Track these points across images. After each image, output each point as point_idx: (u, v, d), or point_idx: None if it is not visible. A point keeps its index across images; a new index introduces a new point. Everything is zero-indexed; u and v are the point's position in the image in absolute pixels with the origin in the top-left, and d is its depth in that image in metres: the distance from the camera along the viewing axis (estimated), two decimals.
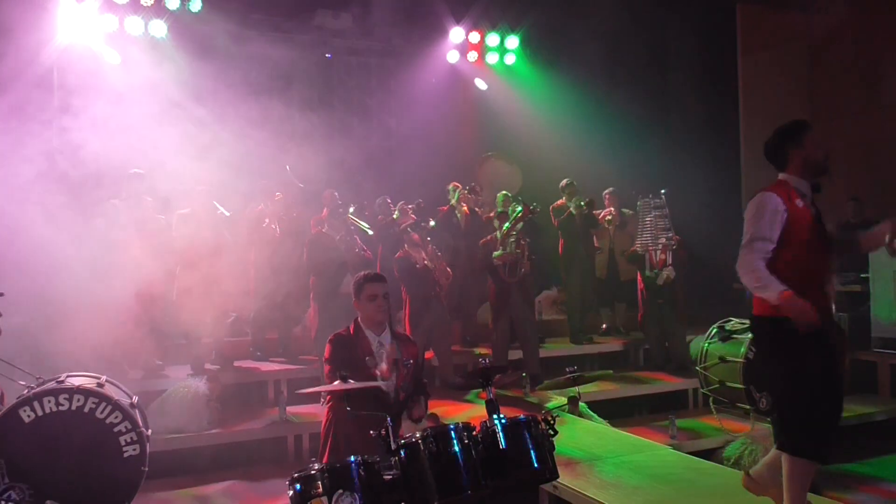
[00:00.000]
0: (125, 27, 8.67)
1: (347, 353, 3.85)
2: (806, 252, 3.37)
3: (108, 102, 6.55)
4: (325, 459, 3.80)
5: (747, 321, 5.52)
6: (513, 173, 10.43)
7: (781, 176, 3.51)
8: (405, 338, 4.17)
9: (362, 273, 4.13)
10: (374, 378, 3.76)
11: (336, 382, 3.40)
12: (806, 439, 3.32)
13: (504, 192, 8.44)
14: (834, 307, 3.62)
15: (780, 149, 3.50)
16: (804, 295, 3.23)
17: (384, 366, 3.82)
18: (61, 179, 6.11)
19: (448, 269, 7.32)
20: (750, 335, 5.29)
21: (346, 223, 7.20)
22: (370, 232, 7.67)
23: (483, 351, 7.84)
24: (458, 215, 8.62)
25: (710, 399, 6.55)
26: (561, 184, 8.77)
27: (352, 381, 3.39)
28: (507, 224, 7.47)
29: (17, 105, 6.13)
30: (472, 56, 10.94)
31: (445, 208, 8.66)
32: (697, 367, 6.12)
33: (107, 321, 5.87)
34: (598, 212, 8.87)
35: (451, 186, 8.83)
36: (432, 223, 7.98)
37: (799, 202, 3.39)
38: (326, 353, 3.93)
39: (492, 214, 8.15)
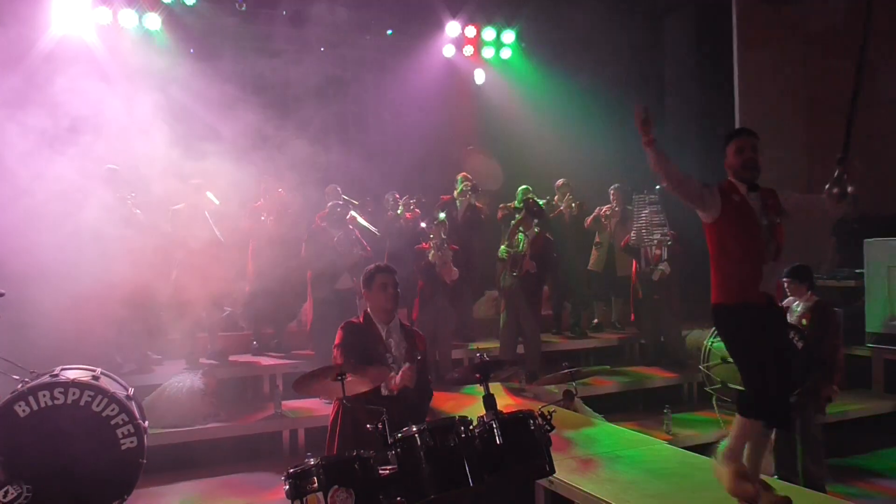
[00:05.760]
0: (119, 20, 8.63)
1: (358, 340, 3.91)
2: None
3: (100, 95, 6.50)
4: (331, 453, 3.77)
5: None
6: (492, 168, 10.31)
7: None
8: (413, 330, 4.21)
9: (373, 265, 4.19)
10: (386, 369, 3.73)
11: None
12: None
13: (525, 186, 8.44)
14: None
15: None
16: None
17: (398, 379, 3.83)
18: (51, 173, 6.04)
19: (454, 269, 7.35)
20: None
21: (345, 223, 7.22)
22: (376, 232, 7.74)
23: (480, 346, 7.83)
24: (458, 207, 8.58)
25: (713, 396, 6.56)
26: (557, 182, 8.74)
27: (350, 377, 3.38)
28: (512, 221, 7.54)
29: (7, 100, 6.06)
30: (469, 50, 10.93)
31: (447, 197, 8.53)
32: (701, 367, 6.14)
33: (99, 316, 5.84)
34: (599, 208, 8.85)
35: (459, 177, 8.72)
36: (442, 216, 7.95)
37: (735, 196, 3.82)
38: (338, 339, 3.97)
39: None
